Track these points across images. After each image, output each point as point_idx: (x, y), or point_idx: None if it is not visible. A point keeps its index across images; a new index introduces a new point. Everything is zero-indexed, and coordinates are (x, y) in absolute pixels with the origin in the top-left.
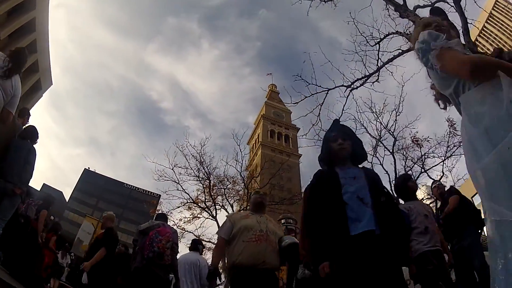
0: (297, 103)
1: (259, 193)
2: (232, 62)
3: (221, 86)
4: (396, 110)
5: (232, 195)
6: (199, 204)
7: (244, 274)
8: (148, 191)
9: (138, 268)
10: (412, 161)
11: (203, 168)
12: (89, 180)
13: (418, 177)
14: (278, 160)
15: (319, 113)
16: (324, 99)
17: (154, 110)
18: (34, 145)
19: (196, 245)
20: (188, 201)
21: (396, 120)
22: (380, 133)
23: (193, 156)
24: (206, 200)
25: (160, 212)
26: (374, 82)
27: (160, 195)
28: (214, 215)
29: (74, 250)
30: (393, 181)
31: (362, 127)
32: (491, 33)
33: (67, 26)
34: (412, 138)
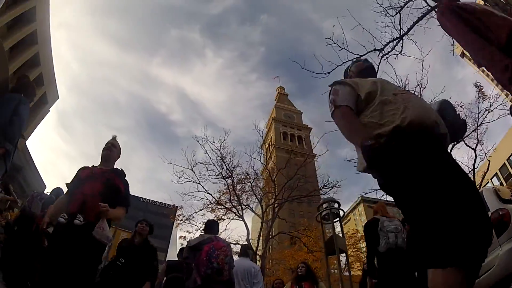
0: (329, 73)
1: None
2: (237, 70)
3: (229, 94)
4: (420, 85)
5: (257, 192)
6: (224, 204)
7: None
8: (165, 203)
9: (199, 286)
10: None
11: (225, 165)
12: None
13: (453, 148)
14: (293, 162)
15: None
16: None
17: (164, 123)
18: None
19: (246, 250)
20: (211, 202)
21: (421, 94)
22: None
23: (213, 150)
24: (232, 199)
25: (208, 221)
26: (398, 54)
27: (177, 206)
28: (241, 215)
29: None
30: None
31: None
32: None
33: (70, 44)
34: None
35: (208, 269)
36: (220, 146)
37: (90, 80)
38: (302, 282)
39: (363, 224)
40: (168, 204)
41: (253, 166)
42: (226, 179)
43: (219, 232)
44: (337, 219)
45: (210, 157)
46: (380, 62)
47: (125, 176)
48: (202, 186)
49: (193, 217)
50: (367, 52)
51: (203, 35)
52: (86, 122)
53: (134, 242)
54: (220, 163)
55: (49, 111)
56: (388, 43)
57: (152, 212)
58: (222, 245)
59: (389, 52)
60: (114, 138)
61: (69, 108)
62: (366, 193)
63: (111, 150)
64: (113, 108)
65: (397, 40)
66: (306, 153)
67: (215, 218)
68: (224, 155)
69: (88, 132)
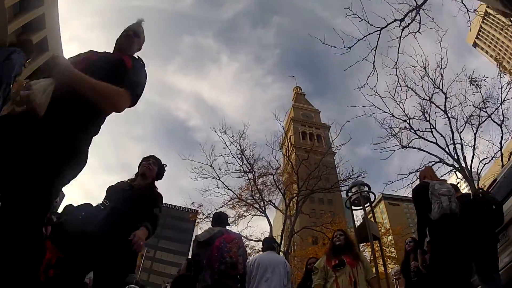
0: (350, 47)
1: None
2: (253, 73)
3: (247, 98)
4: (440, 66)
5: (279, 185)
6: (246, 200)
7: None
8: (185, 208)
9: (209, 286)
10: (473, 105)
11: (245, 158)
12: None
13: (479, 126)
14: (312, 160)
15: (374, 60)
16: (378, 41)
17: (183, 129)
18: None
19: (272, 244)
20: (232, 198)
21: (442, 75)
22: (431, 93)
23: (232, 143)
24: (253, 194)
25: (215, 213)
26: (416, 32)
27: (198, 208)
28: (263, 210)
29: None
30: (450, 144)
31: (410, 89)
32: (488, 34)
33: None
34: (470, 78)
35: (222, 265)
36: (240, 138)
37: None
38: (341, 255)
39: (412, 190)
40: (189, 208)
41: (275, 156)
42: (247, 173)
43: (241, 229)
44: (368, 204)
45: (229, 150)
46: (401, 35)
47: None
48: (222, 182)
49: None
50: (388, 24)
51: (216, 41)
52: (105, 132)
53: (133, 185)
54: (240, 156)
55: None
56: (407, 13)
57: (172, 217)
58: (233, 237)
59: (409, 24)
60: (139, 22)
61: None
62: (389, 183)
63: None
64: (131, 118)
65: (416, 10)
66: (325, 151)
67: (237, 216)
68: (243, 148)
69: (107, 142)
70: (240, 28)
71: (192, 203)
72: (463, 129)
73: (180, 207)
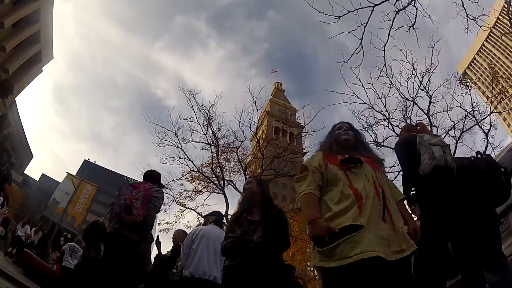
0: (339, 17)
1: None
2: (238, 63)
3: (227, 87)
4: (429, 69)
5: (242, 163)
6: (205, 174)
7: None
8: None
9: (108, 234)
10: (461, 107)
11: (211, 130)
12: (89, 171)
13: (462, 134)
14: (281, 147)
15: (362, 37)
16: (369, 18)
17: (159, 108)
18: None
19: (220, 218)
20: (192, 169)
21: (429, 78)
22: (415, 94)
23: (200, 111)
24: (214, 168)
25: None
26: (410, 27)
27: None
28: (222, 187)
29: (46, 212)
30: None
31: (393, 86)
32: (489, 52)
33: (74, 20)
34: (460, 79)
35: (117, 207)
36: (210, 107)
37: (91, 58)
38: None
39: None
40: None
41: (244, 132)
42: (211, 146)
43: (197, 206)
44: None
45: (196, 115)
46: (394, 17)
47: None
48: (184, 152)
49: (169, 185)
50: (383, 1)
51: (208, 25)
52: (82, 100)
53: None
54: (206, 126)
55: (42, 70)
56: None
57: None
58: (143, 186)
59: (405, 7)
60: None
61: (67, 84)
62: None
63: None
64: (110, 88)
65: None
66: (296, 150)
67: (194, 190)
68: (211, 118)
69: (83, 109)
70: (234, 16)
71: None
72: (444, 137)
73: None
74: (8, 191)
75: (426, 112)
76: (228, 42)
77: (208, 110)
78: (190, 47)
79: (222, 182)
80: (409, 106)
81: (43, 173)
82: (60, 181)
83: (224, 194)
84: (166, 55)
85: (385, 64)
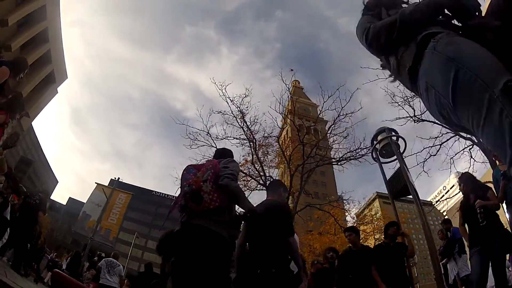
0: None
1: None
2: (252, 66)
3: (244, 91)
4: None
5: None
6: (246, 171)
7: None
8: None
9: (177, 232)
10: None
11: (246, 125)
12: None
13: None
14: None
15: None
16: None
17: (179, 119)
18: None
19: (278, 185)
20: None
21: None
22: None
23: (233, 103)
24: (255, 162)
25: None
26: None
27: None
28: (264, 182)
29: (77, 227)
30: None
31: None
32: None
33: (83, 42)
34: None
35: (182, 199)
36: (241, 102)
37: (104, 77)
38: None
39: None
40: None
41: (276, 120)
42: (248, 142)
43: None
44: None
45: (230, 109)
46: None
47: None
48: None
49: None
50: None
51: (218, 32)
52: (100, 119)
53: None
54: (241, 120)
55: (57, 91)
56: None
57: (165, 206)
58: (207, 164)
59: None
60: None
61: (83, 105)
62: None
63: None
64: (127, 105)
65: None
66: (322, 146)
67: None
68: (244, 112)
69: (102, 129)
70: (242, 20)
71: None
72: None
73: (174, 196)
74: (41, 220)
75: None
76: (240, 47)
77: (241, 102)
78: (203, 56)
79: (263, 177)
80: None
81: (70, 197)
82: (85, 202)
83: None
84: (179, 66)
85: None
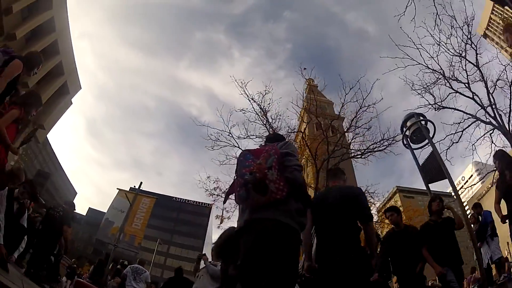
0: None
1: None
2: (265, 68)
3: (264, 89)
4: (467, 21)
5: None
6: None
7: None
8: (199, 202)
9: (240, 230)
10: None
11: (268, 123)
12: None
13: None
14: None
15: None
16: None
17: (195, 125)
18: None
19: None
20: None
21: (470, 29)
22: (462, 49)
23: (254, 101)
24: None
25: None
26: None
27: (212, 204)
28: None
29: (100, 235)
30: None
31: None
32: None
33: (93, 54)
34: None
35: (241, 189)
36: (262, 99)
37: (117, 88)
38: None
39: None
40: (203, 203)
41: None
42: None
43: None
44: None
45: (252, 106)
46: None
47: None
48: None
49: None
50: None
51: (228, 36)
52: (116, 130)
53: None
54: (263, 116)
55: (71, 102)
56: None
57: (187, 212)
58: (267, 148)
59: None
60: None
61: (98, 117)
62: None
63: None
64: (142, 114)
65: None
66: (340, 142)
67: None
68: (265, 109)
69: (118, 139)
70: (251, 22)
71: (208, 176)
72: (493, 90)
73: (194, 201)
74: (66, 234)
75: (475, 64)
76: (251, 49)
77: (262, 99)
78: (215, 60)
79: None
80: (457, 62)
81: (89, 207)
82: (105, 212)
83: None
84: (192, 72)
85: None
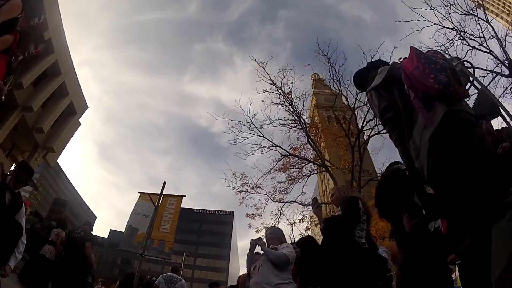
0: None
1: None
2: (269, 69)
3: (267, 96)
4: None
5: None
6: (299, 155)
7: None
8: (220, 211)
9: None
10: None
11: (291, 103)
12: None
13: None
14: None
15: None
16: None
17: (207, 136)
18: None
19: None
20: (283, 155)
21: None
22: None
23: (273, 84)
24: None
25: None
26: None
27: (233, 211)
28: (323, 162)
29: (124, 245)
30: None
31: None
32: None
33: (96, 79)
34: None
35: (441, 75)
36: (283, 76)
37: (124, 109)
38: None
39: None
40: (223, 211)
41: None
42: (298, 123)
43: (296, 196)
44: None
45: (276, 85)
46: None
47: None
48: (268, 139)
49: (260, 183)
50: None
51: (227, 44)
52: (128, 151)
53: None
54: (285, 104)
55: (79, 123)
56: None
57: (208, 222)
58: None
59: None
60: None
61: (108, 140)
62: None
63: None
64: (152, 132)
65: None
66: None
67: (290, 179)
68: (286, 92)
69: (132, 159)
70: (248, 27)
71: (234, 173)
72: (505, 45)
73: (215, 211)
74: (88, 250)
75: (485, 19)
76: (252, 53)
77: (283, 77)
78: (218, 69)
79: (320, 159)
80: (469, 20)
81: (110, 229)
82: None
83: (328, 170)
84: (197, 85)
85: None
